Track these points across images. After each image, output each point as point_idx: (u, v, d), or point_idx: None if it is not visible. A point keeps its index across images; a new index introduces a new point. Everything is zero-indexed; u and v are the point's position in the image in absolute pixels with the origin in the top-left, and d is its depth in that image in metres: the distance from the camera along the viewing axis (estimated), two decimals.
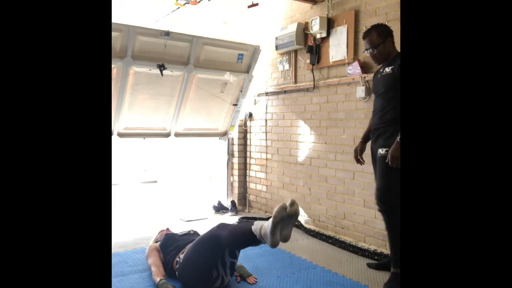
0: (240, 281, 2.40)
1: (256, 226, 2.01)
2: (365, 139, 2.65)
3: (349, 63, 3.22)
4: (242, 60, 3.85)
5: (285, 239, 1.95)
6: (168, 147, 4.39)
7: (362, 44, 2.56)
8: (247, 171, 4.62)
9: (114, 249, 2.95)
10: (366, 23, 2.98)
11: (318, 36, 3.45)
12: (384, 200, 2.33)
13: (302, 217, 3.76)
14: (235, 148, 4.63)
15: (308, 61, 3.60)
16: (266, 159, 4.30)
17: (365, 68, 3.09)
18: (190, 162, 4.72)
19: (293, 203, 1.93)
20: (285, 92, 3.98)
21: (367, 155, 2.62)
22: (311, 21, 3.44)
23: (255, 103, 4.45)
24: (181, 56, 3.51)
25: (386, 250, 2.82)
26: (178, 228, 2.92)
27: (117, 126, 3.52)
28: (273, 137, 4.20)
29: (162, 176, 4.51)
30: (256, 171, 4.49)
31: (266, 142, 4.30)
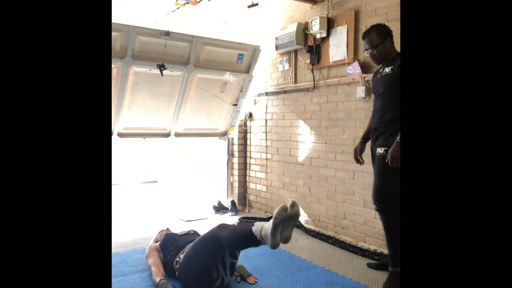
0: (240, 281, 2.40)
1: (256, 227, 2.01)
2: (364, 139, 2.65)
3: (349, 63, 3.22)
4: (242, 60, 3.85)
5: (286, 240, 1.95)
6: (168, 147, 4.39)
7: (362, 44, 2.56)
8: (247, 171, 4.62)
9: (114, 249, 2.95)
10: (366, 23, 2.98)
11: (318, 36, 3.45)
12: (381, 200, 2.34)
13: (302, 217, 3.76)
14: (235, 148, 4.63)
15: (308, 61, 3.60)
16: (266, 159, 4.30)
17: (365, 68, 3.09)
18: (190, 162, 4.72)
19: (293, 205, 1.93)
20: (285, 92, 3.98)
21: (367, 155, 2.62)
22: (311, 21, 3.44)
23: (255, 103, 4.45)
24: (181, 56, 3.51)
25: (386, 250, 2.81)
26: (178, 228, 2.92)
27: (117, 126, 3.52)
28: (273, 137, 4.20)
29: (162, 176, 4.51)
30: (256, 171, 4.49)
31: (266, 142, 4.30)
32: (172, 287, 2.19)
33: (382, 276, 2.46)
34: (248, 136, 4.59)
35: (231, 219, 3.98)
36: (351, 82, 3.22)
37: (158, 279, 2.25)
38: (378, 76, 2.44)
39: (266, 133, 4.29)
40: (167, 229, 2.92)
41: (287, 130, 3.99)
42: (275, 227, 1.89)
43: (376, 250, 2.91)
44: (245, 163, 4.64)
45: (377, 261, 2.71)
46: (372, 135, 2.46)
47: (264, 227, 1.96)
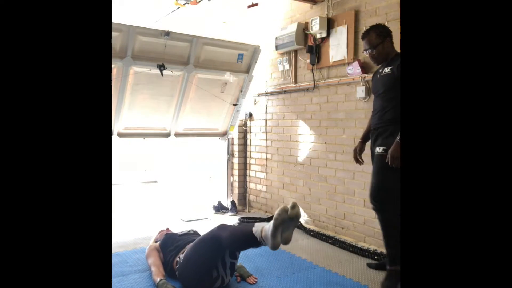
0: (240, 281, 2.40)
1: (257, 228, 2.00)
2: (364, 139, 2.65)
3: (349, 63, 3.22)
4: (242, 60, 3.85)
5: (286, 241, 1.94)
6: (168, 147, 4.39)
7: (362, 44, 2.56)
8: (247, 171, 4.62)
9: (114, 249, 2.95)
10: (366, 23, 2.98)
11: (318, 36, 3.45)
12: (378, 199, 2.34)
13: (302, 217, 3.76)
14: (235, 148, 4.63)
15: (308, 61, 3.60)
16: (266, 159, 4.30)
17: (365, 68, 3.09)
18: (190, 162, 4.72)
19: (294, 206, 1.93)
20: (285, 92, 3.98)
21: (367, 155, 2.62)
22: (311, 21, 3.44)
23: (255, 103, 4.45)
24: (181, 56, 3.51)
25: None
26: (178, 228, 2.92)
27: (117, 126, 3.52)
28: (273, 137, 4.20)
29: (162, 176, 4.51)
30: (256, 171, 4.49)
31: (266, 142, 4.30)
32: (172, 287, 2.20)
33: (382, 276, 2.46)
34: (248, 136, 4.59)
35: (231, 219, 3.98)
36: (351, 82, 3.22)
37: (158, 279, 2.25)
38: (378, 76, 2.44)
39: (266, 133, 4.29)
40: (167, 229, 2.92)
41: (287, 130, 3.99)
42: (275, 228, 1.88)
43: (376, 250, 2.91)
44: (245, 163, 4.64)
45: (377, 261, 2.71)
46: (371, 135, 2.46)
47: (264, 228, 1.95)
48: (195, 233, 2.67)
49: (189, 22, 3.96)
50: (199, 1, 3.33)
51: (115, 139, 3.54)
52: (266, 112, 4.27)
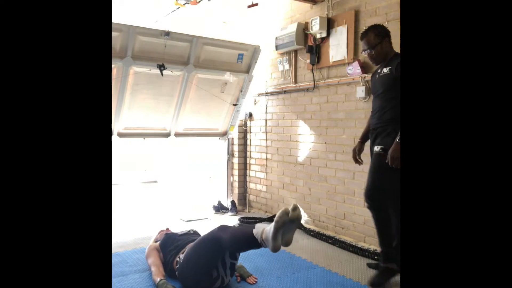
0: (240, 281, 2.40)
1: (257, 229, 1.99)
2: (363, 139, 2.66)
3: (349, 63, 3.22)
4: (242, 60, 3.85)
5: (287, 243, 1.94)
6: (168, 147, 4.39)
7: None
8: (247, 171, 4.62)
9: (114, 249, 2.95)
10: (366, 23, 2.98)
11: (318, 36, 3.45)
12: (373, 198, 2.35)
13: (302, 217, 3.76)
14: (235, 148, 4.63)
15: (308, 61, 3.60)
16: (266, 159, 4.30)
17: (365, 68, 3.09)
18: (190, 162, 4.72)
19: (295, 208, 1.92)
20: (285, 92, 3.98)
21: (366, 155, 2.62)
22: (311, 21, 3.44)
23: (255, 103, 4.45)
24: (181, 56, 3.51)
25: None
26: (178, 228, 2.92)
27: (117, 126, 3.52)
28: (273, 137, 4.20)
29: (162, 176, 4.51)
30: (256, 171, 4.49)
31: (266, 142, 4.30)
32: (172, 287, 2.20)
33: None
34: (248, 136, 4.59)
35: (231, 219, 3.98)
36: (351, 82, 3.22)
37: (158, 279, 2.25)
38: (377, 76, 2.44)
39: (266, 133, 4.29)
40: (167, 229, 2.92)
41: (287, 130, 3.99)
42: (276, 230, 1.88)
43: (376, 250, 2.90)
44: (245, 163, 4.64)
45: (377, 261, 2.71)
46: (371, 135, 2.47)
47: (265, 230, 1.94)
48: (195, 233, 2.67)
49: (189, 22, 3.96)
50: (199, 1, 3.33)
51: (115, 139, 3.54)
52: (266, 112, 4.27)
